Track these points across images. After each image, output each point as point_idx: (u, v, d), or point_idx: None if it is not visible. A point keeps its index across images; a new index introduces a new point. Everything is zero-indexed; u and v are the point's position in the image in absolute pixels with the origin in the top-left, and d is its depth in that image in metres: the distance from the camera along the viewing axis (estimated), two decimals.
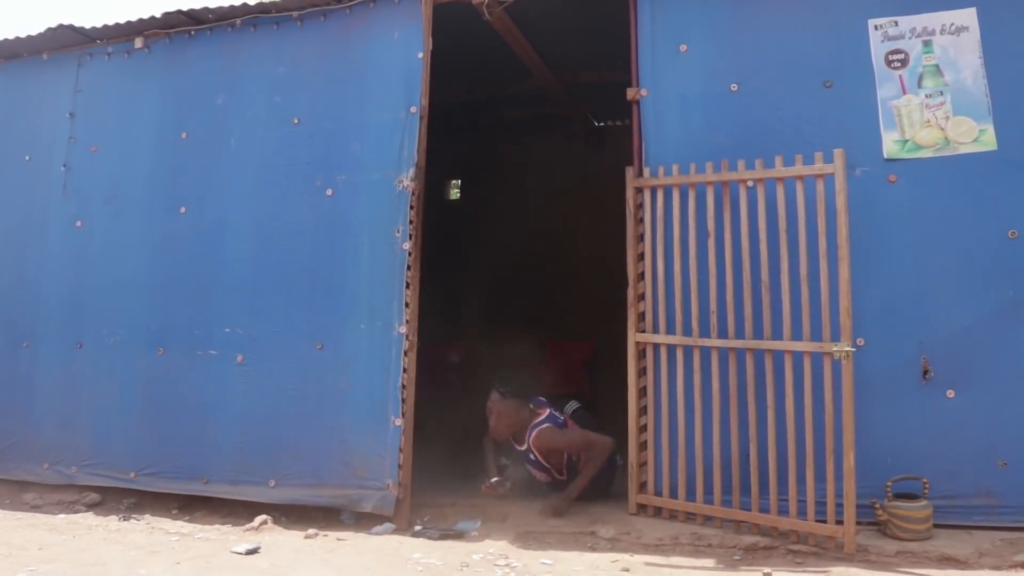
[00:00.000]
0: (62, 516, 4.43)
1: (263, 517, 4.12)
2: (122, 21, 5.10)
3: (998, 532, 3.53)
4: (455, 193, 8.76)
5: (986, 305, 3.68)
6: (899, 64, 3.90)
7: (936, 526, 3.57)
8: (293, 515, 4.27)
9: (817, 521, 3.53)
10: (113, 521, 4.30)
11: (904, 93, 3.88)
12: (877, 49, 3.93)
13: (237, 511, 4.35)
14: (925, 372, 3.69)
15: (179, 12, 4.90)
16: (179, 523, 4.27)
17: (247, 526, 4.08)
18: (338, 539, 3.90)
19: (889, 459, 3.66)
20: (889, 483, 3.58)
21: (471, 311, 7.05)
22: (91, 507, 4.59)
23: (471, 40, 5.13)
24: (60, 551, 3.71)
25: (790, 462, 3.61)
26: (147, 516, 4.37)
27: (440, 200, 8.55)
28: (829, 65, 3.96)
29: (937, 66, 3.85)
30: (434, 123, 4.50)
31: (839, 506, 3.47)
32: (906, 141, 3.84)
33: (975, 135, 3.77)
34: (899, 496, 3.58)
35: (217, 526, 4.18)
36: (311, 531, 3.99)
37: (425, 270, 4.48)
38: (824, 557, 3.47)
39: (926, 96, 3.85)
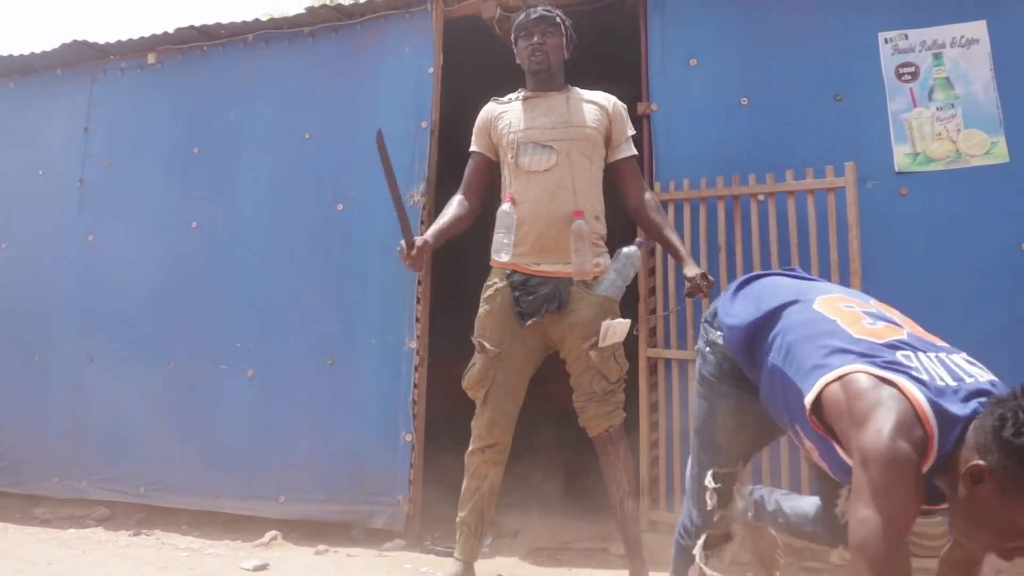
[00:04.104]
0: (72, 531, 4.43)
1: (273, 533, 4.12)
2: (135, 37, 5.12)
3: None
4: None
5: (999, 318, 3.65)
6: (909, 77, 3.89)
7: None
8: (303, 531, 4.26)
9: None
10: (123, 536, 4.30)
11: (915, 106, 3.86)
12: (887, 62, 3.91)
13: (247, 526, 4.34)
14: None
15: (191, 28, 4.93)
16: (189, 538, 4.26)
17: (257, 542, 4.08)
18: (348, 555, 3.89)
19: None
20: None
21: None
22: (101, 522, 4.59)
23: (482, 55, 5.15)
24: (70, 566, 3.70)
25: (803, 477, 3.59)
26: (157, 531, 4.36)
27: None
28: (839, 79, 3.94)
29: (947, 79, 3.84)
30: (446, 137, 4.51)
31: None
32: (917, 154, 3.82)
33: (987, 148, 3.75)
34: None
35: (227, 542, 4.17)
36: (321, 547, 3.98)
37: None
38: (839, 574, 3.44)
39: (937, 109, 3.83)
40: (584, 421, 3.23)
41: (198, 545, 4.13)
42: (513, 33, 3.45)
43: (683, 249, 3.27)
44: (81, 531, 4.42)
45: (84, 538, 4.27)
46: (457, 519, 3.26)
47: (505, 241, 3.12)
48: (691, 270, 3.12)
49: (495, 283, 3.24)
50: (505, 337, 3.19)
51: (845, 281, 3.55)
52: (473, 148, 3.47)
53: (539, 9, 3.41)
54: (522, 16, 3.39)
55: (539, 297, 3.10)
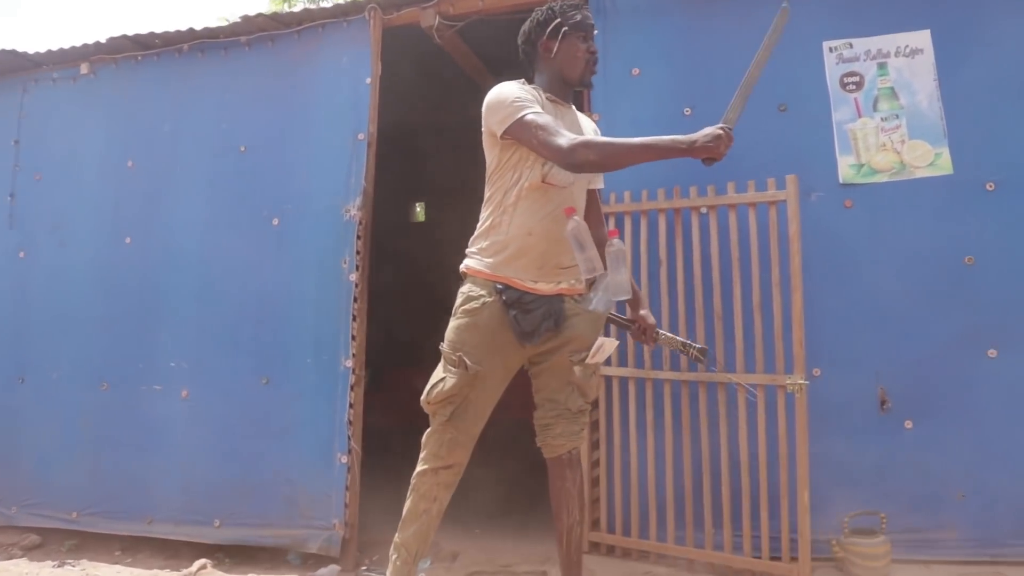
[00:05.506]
0: None
1: (202, 561, 3.96)
2: (67, 46, 4.98)
3: (957, 566, 3.42)
4: (420, 215, 8.66)
5: (944, 333, 3.59)
6: (854, 87, 3.82)
7: (895, 561, 3.46)
8: (239, 556, 4.12)
9: (772, 559, 3.42)
10: (47, 568, 4.12)
11: (859, 116, 3.80)
12: (832, 72, 3.85)
13: (181, 552, 4.19)
14: (883, 403, 3.59)
15: (125, 37, 4.78)
16: (118, 567, 4.09)
17: (185, 571, 3.92)
18: None
19: (846, 493, 3.55)
20: (846, 519, 3.47)
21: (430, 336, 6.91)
22: (29, 550, 4.40)
23: (429, 63, 5.05)
24: None
25: (744, 498, 3.50)
26: (84, 561, 4.18)
27: (404, 223, 8.46)
28: (783, 89, 3.85)
29: (892, 88, 3.78)
30: (397, 146, 4.38)
31: (794, 542, 3.36)
32: (862, 165, 3.75)
33: (931, 159, 3.69)
34: (856, 531, 3.47)
35: (156, 570, 4.01)
36: (251, 575, 3.85)
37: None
38: None
39: (881, 119, 3.77)
40: (547, 439, 2.91)
41: (126, 574, 3.97)
42: (564, 25, 2.88)
43: (638, 289, 3.12)
44: (3, 563, 4.24)
45: (5, 571, 4.09)
46: (395, 539, 2.91)
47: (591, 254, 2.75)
48: (649, 317, 3.03)
49: (481, 296, 2.79)
50: (487, 354, 2.81)
51: (786, 297, 3.47)
52: (539, 109, 2.72)
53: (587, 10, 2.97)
54: (579, 15, 2.90)
55: (536, 315, 2.78)
